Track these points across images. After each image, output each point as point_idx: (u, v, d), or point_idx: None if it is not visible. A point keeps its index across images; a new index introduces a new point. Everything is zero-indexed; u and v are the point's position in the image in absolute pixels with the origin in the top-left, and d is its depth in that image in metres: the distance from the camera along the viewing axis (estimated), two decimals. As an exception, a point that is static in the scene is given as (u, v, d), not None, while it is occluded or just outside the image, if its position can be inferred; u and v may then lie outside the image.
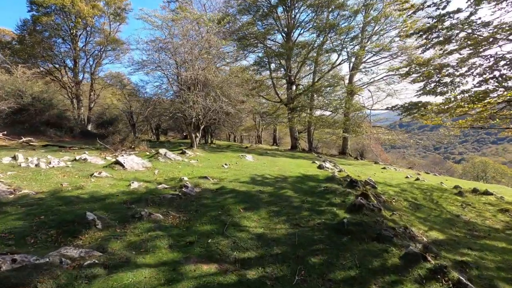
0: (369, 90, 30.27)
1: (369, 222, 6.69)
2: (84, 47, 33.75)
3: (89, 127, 33.55)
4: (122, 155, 14.10)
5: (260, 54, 29.26)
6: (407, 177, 16.62)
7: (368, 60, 29.78)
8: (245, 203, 8.04)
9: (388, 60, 28.04)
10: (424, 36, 11.92)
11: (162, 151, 15.40)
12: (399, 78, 25.53)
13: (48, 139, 21.75)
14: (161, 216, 6.73)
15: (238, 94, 19.69)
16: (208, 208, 7.52)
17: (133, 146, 17.26)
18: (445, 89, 11.39)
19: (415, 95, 13.23)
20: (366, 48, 26.88)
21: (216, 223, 6.60)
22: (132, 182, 9.33)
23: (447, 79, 11.34)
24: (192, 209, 7.47)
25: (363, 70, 28.93)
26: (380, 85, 30.35)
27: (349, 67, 30.64)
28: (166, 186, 9.38)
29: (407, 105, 13.97)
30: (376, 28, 27.51)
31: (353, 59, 29.41)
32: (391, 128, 30.80)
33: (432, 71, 11.90)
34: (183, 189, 8.82)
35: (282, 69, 30.47)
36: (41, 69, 33.32)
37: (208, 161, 15.68)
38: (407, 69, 15.49)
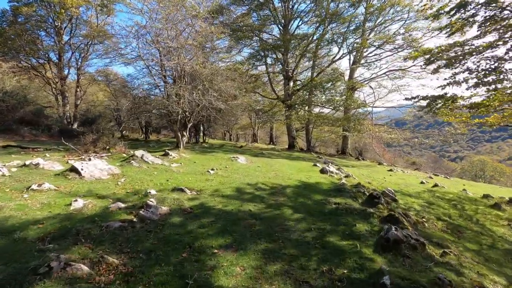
0: (370, 86, 27.63)
1: (421, 275, 4.03)
2: (69, 41, 30.81)
3: (75, 125, 30.70)
4: (88, 159, 11.36)
5: (255, 47, 26.37)
6: (422, 182, 13.98)
7: (370, 55, 27.13)
8: (226, 236, 5.35)
9: (392, 54, 25.40)
10: (457, 15, 9.23)
11: (139, 153, 12.67)
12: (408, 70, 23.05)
13: (19, 139, 18.93)
14: (86, 268, 4.02)
15: (230, 88, 16.90)
16: (169, 247, 4.82)
17: (108, 147, 14.51)
18: (490, 78, 8.71)
19: (439, 87, 10.55)
20: (369, 41, 24.19)
21: (173, 279, 3.91)
22: (76, 200, 6.59)
23: (490, 64, 8.68)
24: (145, 248, 4.75)
25: (366, 64, 26.23)
26: (381, 81, 27.74)
27: (349, 62, 27.96)
28: (122, 206, 6.64)
29: (430, 97, 11.23)
30: (380, 19, 24.85)
31: (354, 53, 26.74)
32: (393, 127, 28.19)
33: (471, 55, 9.21)
34: (142, 211, 6.09)
35: (279, 64, 27.75)
36: (24, 63, 30.39)
37: (193, 165, 12.97)
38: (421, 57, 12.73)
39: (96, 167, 9.81)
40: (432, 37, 22.64)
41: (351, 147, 41.14)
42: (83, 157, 12.08)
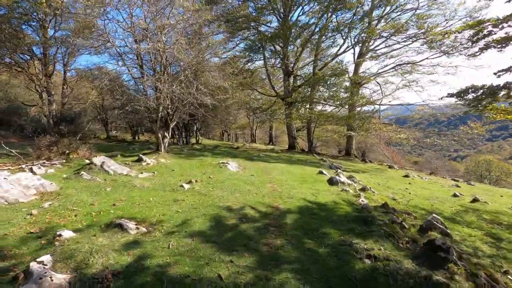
0: (377, 82, 24.35)
1: None
2: (54, 34, 27.63)
3: (63, 125, 27.56)
4: (30, 168, 8.29)
5: (252, 39, 22.96)
6: (455, 195, 10.77)
7: (378, 47, 23.86)
8: None
9: (402, 46, 22.13)
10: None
11: (99, 160, 9.56)
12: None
13: (-20, 140, 15.85)
14: None
15: (218, 80, 13.67)
16: None
17: (67, 152, 11.39)
18: None
19: (498, 72, 7.39)
20: (377, 31, 20.91)
21: None
22: None
23: None
24: None
25: (372, 57, 22.91)
26: (388, 77, 24.44)
27: (354, 56, 24.63)
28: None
29: (487, 88, 7.98)
30: (388, 9, 21.62)
31: (359, 45, 23.48)
32: (402, 126, 24.94)
33: None
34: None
35: (279, 59, 24.52)
36: (7, 60, 27.22)
37: (168, 175, 9.85)
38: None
39: (18, 184, 6.68)
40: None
41: (354, 147, 38.11)
42: (23, 166, 8.94)
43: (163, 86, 12.05)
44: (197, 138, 23.50)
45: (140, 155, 11.75)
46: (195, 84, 12.21)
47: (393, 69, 23.18)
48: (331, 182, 10.22)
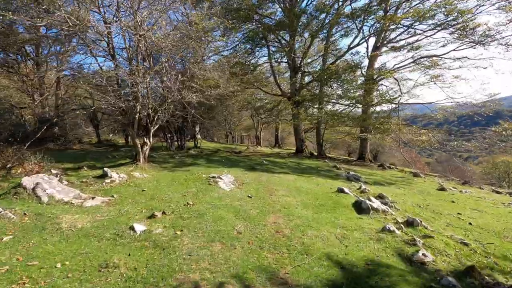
0: (395, 79, 20.89)
1: None
2: (46, 32, 24.90)
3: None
4: None
5: (254, 29, 19.55)
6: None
7: (395, 40, 20.39)
8: None
9: (425, 37, 18.63)
10: None
11: (31, 181, 6.55)
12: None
13: None
14: None
15: (207, 72, 10.44)
16: None
17: (9, 166, 8.38)
18: None
19: None
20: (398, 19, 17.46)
21: None
22: None
23: None
24: None
25: (393, 46, 19.36)
26: (406, 73, 20.97)
27: (367, 50, 21.21)
28: None
29: None
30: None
31: (374, 36, 20.09)
32: (425, 127, 21.42)
33: None
34: None
35: (284, 54, 21.20)
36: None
37: (130, 202, 6.75)
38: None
39: None
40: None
41: (368, 151, 34.72)
42: None
43: (140, 80, 8.95)
44: (195, 142, 20.40)
45: (105, 169, 8.68)
46: (173, 76, 9.03)
47: (414, 63, 19.69)
48: (359, 208, 6.98)
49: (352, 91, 17.82)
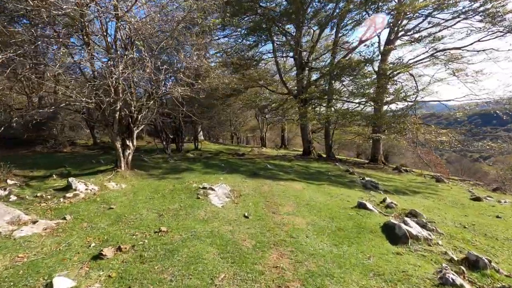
0: (411, 74, 18.70)
1: None
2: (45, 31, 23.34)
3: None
4: None
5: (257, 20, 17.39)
6: None
7: (409, 32, 18.21)
8: None
9: (446, 27, 16.42)
10: None
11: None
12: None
13: None
14: None
15: (195, 60, 8.51)
16: None
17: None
18: None
19: None
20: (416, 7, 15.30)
21: None
22: None
23: None
24: None
25: (410, 38, 17.16)
26: (421, 68, 18.76)
27: (379, 44, 19.08)
28: None
29: None
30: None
31: (388, 28, 17.98)
32: (445, 126, 19.19)
33: None
34: None
35: (290, 49, 19.18)
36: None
37: (85, 228, 4.91)
38: None
39: None
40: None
41: (368, 151, 32.38)
42: None
43: (119, 71, 7.14)
44: (196, 143, 18.59)
45: (70, 180, 6.88)
46: (148, 61, 7.15)
47: (432, 57, 17.51)
48: (393, 235, 5.00)
49: (366, 87, 15.72)
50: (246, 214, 5.88)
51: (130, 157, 8.99)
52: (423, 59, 17.90)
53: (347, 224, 5.63)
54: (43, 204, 5.81)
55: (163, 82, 7.67)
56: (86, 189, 6.69)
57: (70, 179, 6.88)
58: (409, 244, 4.76)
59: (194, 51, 8.30)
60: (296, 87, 20.18)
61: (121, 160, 8.60)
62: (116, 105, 8.31)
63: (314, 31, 17.71)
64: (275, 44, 17.85)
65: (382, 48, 18.63)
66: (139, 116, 8.74)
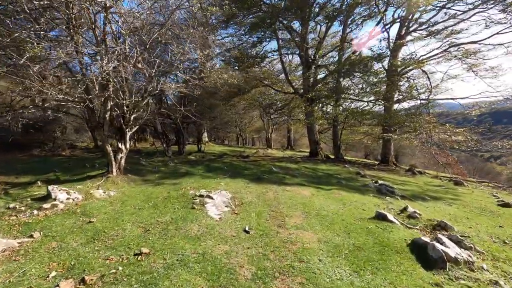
0: (423, 71, 17.55)
1: None
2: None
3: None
4: None
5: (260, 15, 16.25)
6: None
7: (420, 27, 17.06)
8: None
9: (460, 21, 15.27)
10: None
11: None
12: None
13: None
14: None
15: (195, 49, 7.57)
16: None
17: None
18: None
19: None
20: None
21: None
22: None
23: None
24: None
25: (416, 37, 16.00)
26: (434, 64, 17.60)
27: (389, 40, 17.96)
28: None
29: None
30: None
31: (399, 21, 16.89)
32: (460, 125, 17.98)
33: None
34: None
35: (295, 47, 18.17)
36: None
37: (51, 250, 4.04)
38: None
39: None
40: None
41: (377, 151, 31.04)
42: None
43: (108, 65, 6.31)
44: (199, 145, 17.74)
45: (50, 188, 6.06)
46: (137, 53, 6.29)
47: (446, 52, 16.35)
48: (426, 258, 4.02)
49: (377, 84, 14.65)
50: (247, 228, 4.96)
51: (122, 161, 8.16)
52: (436, 54, 16.74)
53: (367, 240, 4.66)
54: (13, 217, 4.99)
55: (155, 78, 6.80)
56: (68, 199, 5.86)
57: (50, 187, 6.06)
58: (447, 269, 3.78)
59: (190, 43, 7.43)
60: (302, 86, 19.21)
61: (113, 164, 7.77)
62: (106, 105, 7.51)
63: (320, 27, 16.66)
64: (280, 42, 16.86)
65: (392, 44, 17.54)
66: (132, 117, 7.90)
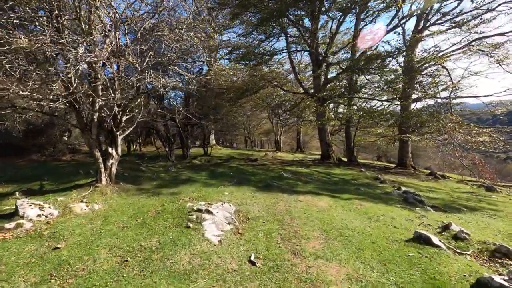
0: (443, 67, 16.06)
1: None
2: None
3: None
4: None
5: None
6: None
7: (439, 20, 15.62)
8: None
9: (485, 12, 13.79)
10: None
11: None
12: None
13: None
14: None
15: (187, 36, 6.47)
16: None
17: None
18: None
19: None
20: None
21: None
22: None
23: None
24: None
25: (444, 24, 14.55)
26: (454, 60, 16.10)
27: (403, 35, 16.54)
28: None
29: None
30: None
31: (417, 14, 15.53)
32: (487, 125, 16.41)
33: None
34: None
35: (305, 44, 16.93)
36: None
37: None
38: None
39: None
40: None
41: (390, 154, 29.48)
42: None
43: (77, 53, 5.28)
44: (205, 149, 16.68)
45: (19, 204, 5.02)
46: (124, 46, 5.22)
47: (470, 45, 14.85)
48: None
49: (396, 81, 13.28)
50: (252, 257, 3.79)
51: (113, 168, 7.09)
52: (460, 48, 15.24)
53: (412, 277, 3.43)
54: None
55: (147, 73, 5.72)
56: (39, 216, 4.81)
57: (20, 201, 5.03)
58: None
59: (188, 30, 6.33)
60: (312, 86, 17.95)
61: (102, 172, 6.72)
62: (94, 104, 6.49)
63: (332, 22, 15.26)
64: (288, 39, 15.62)
65: (409, 38, 16.13)
66: (124, 118, 6.84)
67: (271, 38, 15.36)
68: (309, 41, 15.40)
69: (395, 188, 9.79)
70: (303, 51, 17.68)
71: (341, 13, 13.55)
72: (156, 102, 11.00)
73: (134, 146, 19.24)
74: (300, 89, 18.88)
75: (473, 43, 14.99)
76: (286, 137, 33.86)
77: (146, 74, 5.87)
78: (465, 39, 15.26)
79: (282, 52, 15.90)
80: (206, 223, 4.88)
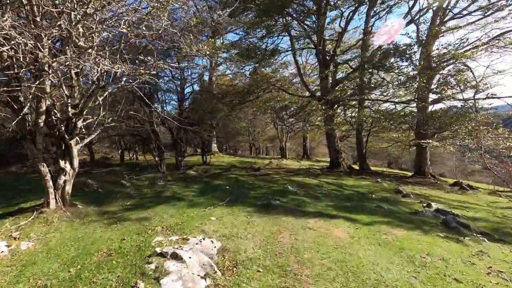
0: (465, 65, 14.08)
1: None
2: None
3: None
4: None
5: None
6: None
7: (457, 15, 13.72)
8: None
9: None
10: None
11: None
12: None
13: None
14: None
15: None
16: None
17: None
18: None
19: None
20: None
21: None
22: None
23: None
24: None
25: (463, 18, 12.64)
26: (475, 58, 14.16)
27: (417, 33, 14.59)
28: None
29: None
30: None
31: (433, 8, 13.67)
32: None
33: None
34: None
35: (310, 43, 15.15)
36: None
37: None
38: None
39: None
40: None
41: (401, 159, 27.31)
42: None
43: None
44: (204, 157, 14.93)
45: None
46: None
47: (497, 40, 12.89)
48: None
49: (417, 79, 11.38)
50: None
51: (68, 187, 5.35)
52: (485, 43, 13.28)
53: None
54: None
55: (103, 57, 4.03)
56: None
57: None
58: None
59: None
60: (319, 88, 16.12)
61: (49, 193, 4.99)
62: (40, 105, 4.82)
63: (341, 17, 13.36)
64: (292, 37, 13.84)
65: (426, 33, 14.21)
66: (79, 122, 5.13)
67: (273, 35, 13.60)
68: (314, 39, 13.61)
69: (424, 205, 7.81)
70: (308, 54, 15.93)
71: (353, 3, 11.71)
72: (141, 104, 9.36)
73: (131, 155, 17.61)
74: (306, 93, 17.05)
75: (497, 39, 13.06)
76: (292, 143, 31.91)
77: (103, 59, 4.17)
78: (485, 35, 13.43)
79: (287, 51, 14.13)
80: (167, 280, 3.06)
